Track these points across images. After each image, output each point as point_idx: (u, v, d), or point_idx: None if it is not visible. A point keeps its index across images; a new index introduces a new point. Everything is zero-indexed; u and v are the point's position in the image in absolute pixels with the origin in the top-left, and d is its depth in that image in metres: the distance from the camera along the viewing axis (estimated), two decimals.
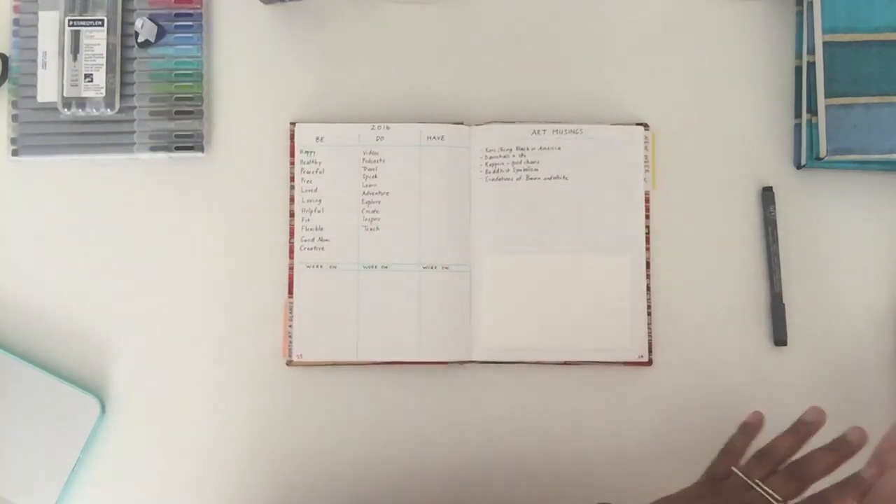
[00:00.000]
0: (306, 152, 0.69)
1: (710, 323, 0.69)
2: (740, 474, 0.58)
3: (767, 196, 0.70)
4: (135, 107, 0.69)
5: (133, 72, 0.70)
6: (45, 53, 0.69)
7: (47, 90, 0.69)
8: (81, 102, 0.68)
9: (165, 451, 0.67)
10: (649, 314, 0.69)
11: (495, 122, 0.70)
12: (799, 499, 0.56)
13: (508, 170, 0.69)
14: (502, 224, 0.69)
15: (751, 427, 0.63)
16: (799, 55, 0.71)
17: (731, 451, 0.61)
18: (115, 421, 0.67)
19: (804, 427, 0.61)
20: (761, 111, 0.72)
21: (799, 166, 0.71)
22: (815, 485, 0.57)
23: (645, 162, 0.70)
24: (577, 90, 0.71)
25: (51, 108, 0.69)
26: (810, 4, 0.69)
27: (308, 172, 0.69)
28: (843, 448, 0.58)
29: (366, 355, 0.67)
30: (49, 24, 0.69)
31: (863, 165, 0.70)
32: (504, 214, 0.69)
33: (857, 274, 0.70)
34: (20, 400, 0.66)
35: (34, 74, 0.69)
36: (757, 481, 0.56)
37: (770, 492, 0.55)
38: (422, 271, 0.68)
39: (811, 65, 0.69)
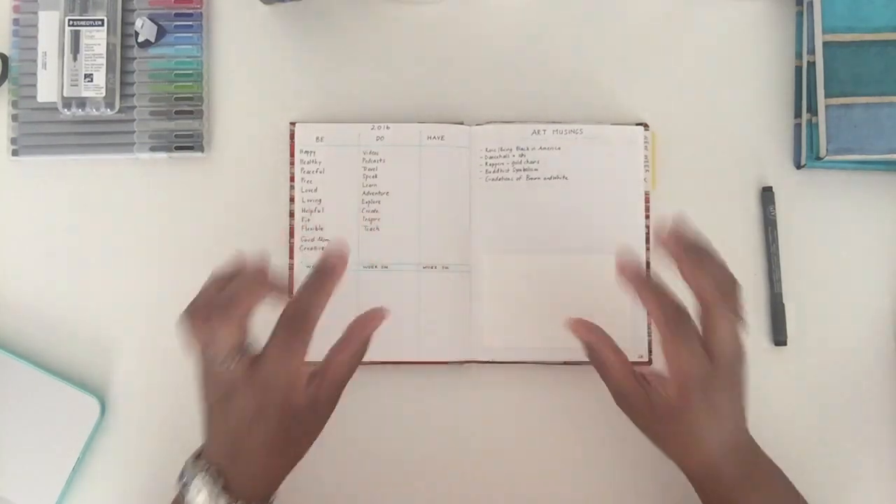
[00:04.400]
0: (306, 152, 0.69)
1: None
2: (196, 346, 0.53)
3: (767, 196, 0.70)
4: (135, 107, 0.69)
5: (133, 72, 0.70)
6: (45, 53, 0.69)
7: (47, 90, 0.69)
8: (81, 102, 0.68)
9: (165, 451, 0.67)
10: (649, 314, 0.69)
11: (495, 122, 0.70)
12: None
13: (508, 170, 0.69)
14: (502, 224, 0.69)
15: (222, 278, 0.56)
16: (799, 55, 0.71)
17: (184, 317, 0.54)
18: (115, 421, 0.67)
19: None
20: (761, 111, 0.72)
21: (799, 166, 0.71)
22: None
23: (645, 162, 0.70)
24: (577, 90, 0.71)
25: (51, 108, 0.69)
26: (810, 4, 0.69)
27: (308, 172, 0.69)
28: (328, 273, 0.55)
29: (366, 355, 0.67)
30: (49, 24, 0.69)
31: (863, 165, 0.70)
32: (504, 214, 0.69)
33: (857, 274, 0.70)
34: (20, 400, 0.66)
35: (34, 74, 0.69)
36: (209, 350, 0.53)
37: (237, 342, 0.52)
38: (422, 271, 0.68)
39: (811, 65, 0.69)
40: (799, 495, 0.59)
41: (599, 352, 0.59)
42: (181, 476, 0.54)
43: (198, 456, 0.55)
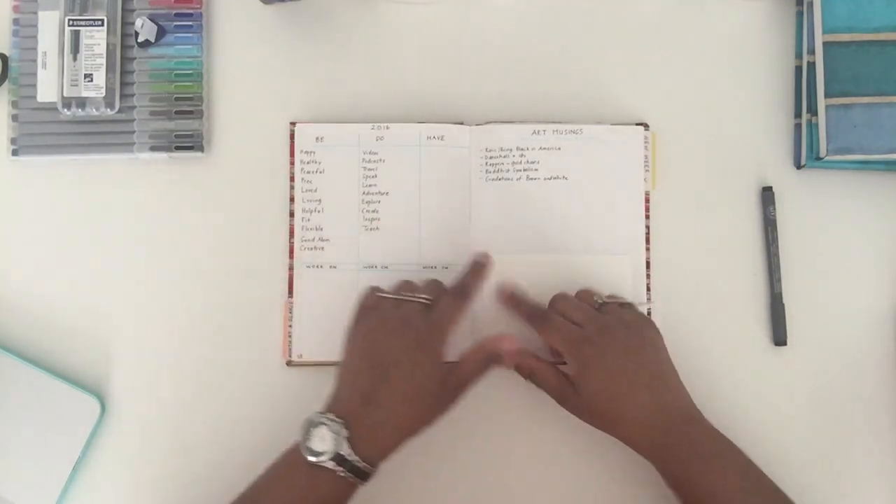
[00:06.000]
0: (306, 152, 0.69)
1: (710, 323, 0.69)
2: (385, 293, 0.63)
3: (767, 196, 0.70)
4: (135, 107, 0.69)
5: (133, 72, 0.70)
6: (45, 53, 0.69)
7: (47, 90, 0.69)
8: (81, 102, 0.68)
9: (165, 451, 0.67)
10: (649, 314, 0.69)
11: (495, 122, 0.70)
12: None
13: (508, 170, 0.69)
14: (502, 224, 0.69)
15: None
16: (799, 55, 0.71)
17: (370, 288, 0.65)
18: (115, 421, 0.67)
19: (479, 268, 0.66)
20: (761, 111, 0.72)
21: (799, 166, 0.71)
22: None
23: (645, 162, 0.70)
24: (576, 90, 0.71)
25: (51, 108, 0.69)
26: (810, 4, 0.69)
27: (308, 172, 0.69)
28: (478, 269, 0.65)
29: None
30: (49, 24, 0.69)
31: (863, 165, 0.70)
32: (504, 214, 0.69)
33: (857, 274, 0.70)
34: (20, 400, 0.66)
35: (34, 74, 0.69)
36: (403, 293, 0.62)
37: (417, 295, 0.62)
38: (422, 271, 0.68)
39: (811, 65, 0.69)
40: (764, 476, 0.60)
41: (527, 367, 0.64)
42: (305, 424, 0.57)
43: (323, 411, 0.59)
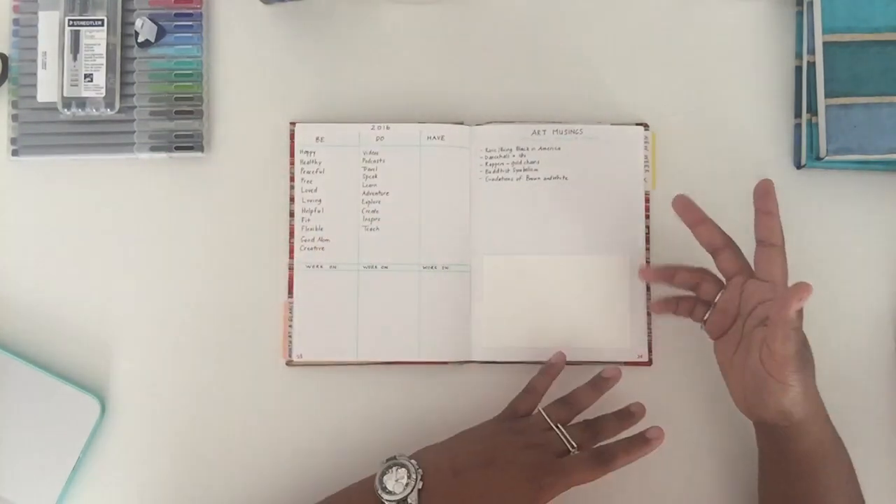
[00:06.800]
0: (306, 152, 0.69)
1: None
2: (544, 414, 0.62)
3: None
4: (135, 107, 0.69)
5: (133, 72, 0.70)
6: (45, 53, 0.69)
7: (47, 90, 0.69)
8: (81, 102, 0.68)
9: (165, 450, 0.67)
10: (649, 314, 0.69)
11: (495, 122, 0.70)
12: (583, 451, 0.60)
13: (508, 170, 0.69)
14: (502, 224, 0.69)
15: (554, 368, 0.66)
16: (799, 55, 0.71)
17: (534, 390, 0.64)
18: (115, 421, 0.67)
19: (603, 383, 0.65)
20: (761, 111, 0.72)
21: (799, 166, 0.71)
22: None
23: (645, 162, 0.70)
24: (577, 90, 0.71)
25: (51, 108, 0.69)
26: (810, 4, 0.69)
27: (308, 172, 0.69)
28: (628, 418, 0.63)
29: (366, 355, 0.67)
30: (49, 24, 0.69)
31: (863, 165, 0.70)
32: (504, 214, 0.69)
33: (857, 274, 0.70)
34: (20, 400, 0.66)
35: (34, 74, 0.69)
36: (558, 424, 0.61)
37: (568, 436, 0.60)
38: (422, 271, 0.68)
39: (811, 65, 0.69)
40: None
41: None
42: (387, 459, 0.59)
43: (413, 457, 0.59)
